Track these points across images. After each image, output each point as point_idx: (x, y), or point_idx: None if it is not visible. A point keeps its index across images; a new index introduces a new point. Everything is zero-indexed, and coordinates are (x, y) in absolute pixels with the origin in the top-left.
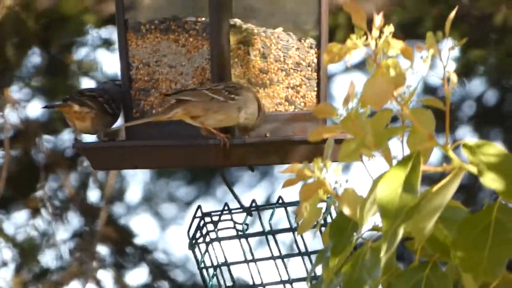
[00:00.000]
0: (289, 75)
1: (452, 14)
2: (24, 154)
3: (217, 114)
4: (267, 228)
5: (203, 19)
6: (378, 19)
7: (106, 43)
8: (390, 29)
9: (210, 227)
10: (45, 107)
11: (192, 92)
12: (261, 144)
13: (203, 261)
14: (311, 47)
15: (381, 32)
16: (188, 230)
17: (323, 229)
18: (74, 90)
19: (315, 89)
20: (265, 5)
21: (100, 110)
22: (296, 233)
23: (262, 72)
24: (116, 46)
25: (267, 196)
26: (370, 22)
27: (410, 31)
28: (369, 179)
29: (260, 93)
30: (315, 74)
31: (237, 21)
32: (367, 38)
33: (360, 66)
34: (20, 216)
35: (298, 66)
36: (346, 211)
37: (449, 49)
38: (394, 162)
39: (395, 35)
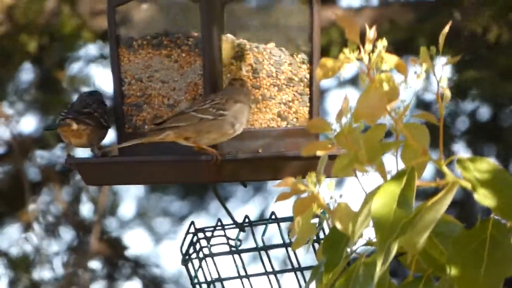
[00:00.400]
0: (281, 91)
1: (446, 28)
2: (16, 169)
3: (210, 134)
4: (260, 243)
5: (196, 34)
6: (372, 33)
7: (99, 59)
8: (383, 43)
9: (204, 242)
10: (45, 129)
11: (180, 117)
12: (253, 160)
13: (197, 277)
14: (303, 63)
15: (374, 46)
16: (181, 246)
17: (316, 244)
18: (69, 106)
19: (308, 104)
20: (258, 20)
21: (96, 125)
22: (289, 248)
23: (254, 88)
24: (109, 61)
25: (260, 211)
26: (363, 38)
27: (403, 48)
28: (362, 194)
29: (252, 108)
30: (308, 89)
31: (229, 36)
32: (360, 52)
33: (354, 81)
34: (13, 230)
35: (290, 82)
36: (339, 226)
37: (443, 65)
38: (388, 177)
39: (387, 51)
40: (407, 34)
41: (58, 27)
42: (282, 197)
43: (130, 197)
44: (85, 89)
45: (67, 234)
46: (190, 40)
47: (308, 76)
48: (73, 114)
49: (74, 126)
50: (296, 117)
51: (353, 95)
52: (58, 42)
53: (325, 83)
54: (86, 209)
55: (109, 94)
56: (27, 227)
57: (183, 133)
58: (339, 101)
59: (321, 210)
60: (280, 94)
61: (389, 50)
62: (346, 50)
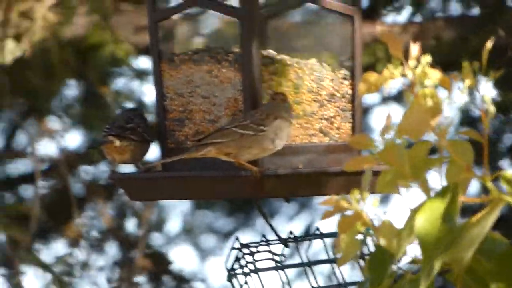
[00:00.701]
0: (323, 106)
1: (489, 44)
2: (61, 184)
3: (251, 149)
4: (305, 259)
5: (236, 50)
6: (415, 49)
7: (142, 74)
8: (427, 58)
9: (248, 258)
10: (90, 147)
11: (221, 133)
12: (293, 176)
13: None
14: (345, 78)
15: (418, 62)
16: (226, 261)
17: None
18: (112, 122)
19: (350, 120)
20: (299, 36)
21: (140, 140)
22: (334, 264)
23: (295, 103)
24: (151, 76)
25: (306, 227)
26: (407, 53)
27: (447, 65)
28: (407, 210)
29: (293, 124)
30: (350, 105)
31: (270, 52)
32: (404, 69)
33: (398, 97)
34: (58, 245)
35: (332, 97)
36: (383, 243)
37: (486, 80)
38: (432, 193)
39: (432, 67)
40: (452, 50)
41: (101, 42)
42: (327, 215)
43: (175, 212)
44: (129, 104)
45: (112, 249)
46: (230, 56)
47: (350, 91)
48: (116, 130)
49: (117, 143)
50: (339, 133)
51: (397, 111)
52: (101, 58)
53: (369, 99)
54: (131, 225)
55: (152, 109)
56: (72, 242)
57: (224, 149)
58: (382, 117)
59: (366, 228)
60: (321, 109)
61: (434, 66)
62: (390, 66)
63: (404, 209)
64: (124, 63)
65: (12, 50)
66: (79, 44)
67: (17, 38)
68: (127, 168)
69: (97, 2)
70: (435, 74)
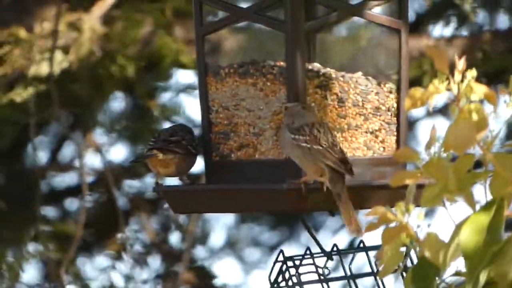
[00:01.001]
0: (367, 120)
1: None
2: (106, 198)
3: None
4: (349, 272)
5: (281, 63)
6: (461, 63)
7: (188, 88)
8: (472, 73)
9: (292, 271)
10: (133, 161)
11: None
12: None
13: None
14: (391, 92)
15: (463, 76)
16: (270, 274)
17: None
18: (156, 135)
19: (395, 133)
20: (344, 49)
21: (185, 153)
22: (378, 277)
23: (340, 117)
24: (197, 90)
25: (350, 240)
26: (454, 67)
27: (494, 78)
28: (452, 223)
29: (338, 137)
30: (395, 118)
31: (316, 65)
32: (449, 83)
33: (443, 111)
34: (102, 259)
35: (377, 111)
36: (428, 255)
37: None
38: (477, 207)
39: (478, 82)
40: (499, 64)
41: (154, 55)
42: (371, 227)
43: (220, 226)
44: (175, 118)
45: (155, 262)
46: (275, 69)
47: (395, 105)
48: (160, 143)
49: (161, 156)
50: (383, 146)
51: (442, 124)
52: (152, 71)
53: (414, 112)
54: (175, 238)
55: (198, 123)
56: (116, 256)
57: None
58: (427, 130)
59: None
60: (366, 123)
61: (480, 80)
62: (435, 81)
63: (449, 222)
64: (172, 77)
65: (59, 62)
66: (129, 56)
67: (65, 49)
68: (172, 181)
69: (158, 13)
70: (481, 89)
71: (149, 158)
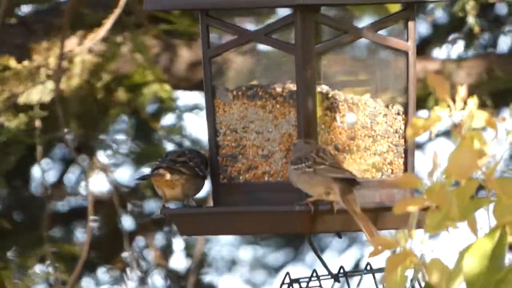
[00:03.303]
0: (376, 142)
1: None
2: (112, 219)
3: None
4: None
5: (290, 85)
6: (462, 91)
7: (194, 109)
8: (474, 101)
9: None
10: (138, 179)
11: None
12: (346, 211)
13: None
14: (398, 114)
15: (465, 103)
16: None
17: None
18: (164, 156)
19: (403, 155)
20: (353, 71)
21: (191, 174)
22: None
23: (349, 139)
24: (204, 112)
25: (356, 261)
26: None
27: (501, 99)
28: (456, 247)
29: (347, 159)
30: (403, 140)
31: (324, 87)
32: (451, 110)
33: (450, 133)
34: (106, 278)
35: (385, 133)
36: (433, 281)
37: None
38: (480, 233)
39: (484, 104)
40: (506, 84)
41: (144, 82)
42: (374, 253)
43: (225, 246)
44: (180, 139)
45: (160, 283)
46: (284, 91)
47: (403, 127)
48: (167, 163)
49: (168, 176)
50: (391, 168)
51: (449, 146)
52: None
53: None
54: (180, 258)
55: (204, 144)
56: (121, 276)
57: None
58: (436, 153)
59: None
60: (375, 145)
61: (486, 101)
62: (436, 108)
63: (453, 247)
64: (166, 103)
65: (50, 91)
66: (126, 80)
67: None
68: (177, 203)
69: (139, 41)
70: (482, 116)
71: (154, 177)
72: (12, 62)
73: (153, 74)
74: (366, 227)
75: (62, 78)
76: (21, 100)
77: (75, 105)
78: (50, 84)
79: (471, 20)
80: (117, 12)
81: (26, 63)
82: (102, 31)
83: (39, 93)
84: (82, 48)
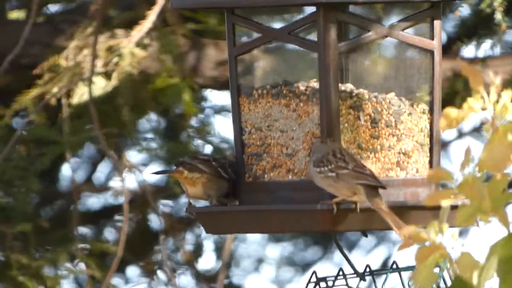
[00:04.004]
0: (400, 140)
1: None
2: (141, 218)
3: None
4: None
5: (314, 84)
6: (496, 83)
7: (222, 108)
8: (509, 93)
9: None
10: (154, 173)
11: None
12: (370, 210)
13: None
14: (423, 113)
15: (499, 96)
16: None
17: None
18: (189, 154)
19: (428, 154)
20: (378, 70)
21: (213, 174)
22: None
23: (372, 137)
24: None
25: (383, 260)
26: (488, 87)
27: None
28: (486, 243)
29: (371, 158)
30: (428, 139)
31: (349, 86)
32: (484, 102)
33: (475, 132)
34: (136, 278)
35: (410, 132)
36: (463, 275)
37: None
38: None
39: None
40: None
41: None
42: (404, 246)
43: (254, 245)
44: (209, 138)
45: (190, 283)
46: (308, 90)
47: (428, 126)
48: (188, 160)
49: (186, 173)
50: (416, 167)
51: (474, 146)
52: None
53: (446, 134)
54: (210, 258)
55: (232, 143)
56: (150, 276)
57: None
58: (459, 152)
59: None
60: (399, 144)
61: None
62: (470, 100)
63: (483, 241)
64: (189, 108)
65: (102, 87)
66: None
67: (106, 74)
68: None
69: (166, 41)
70: None
71: (173, 173)
72: (63, 61)
73: (179, 74)
74: (394, 222)
75: (113, 74)
76: (75, 100)
77: (128, 97)
78: (100, 81)
79: (498, 16)
80: (160, 3)
81: (75, 59)
82: (147, 23)
83: (80, 92)
84: (129, 41)
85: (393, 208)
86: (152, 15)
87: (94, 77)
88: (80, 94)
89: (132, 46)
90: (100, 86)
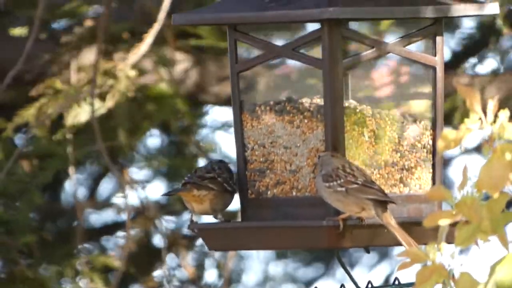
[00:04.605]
0: (403, 157)
1: None
2: (143, 235)
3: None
4: None
5: (318, 100)
6: (492, 104)
7: (225, 124)
8: (506, 113)
9: None
10: (164, 194)
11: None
12: (374, 226)
13: None
14: (426, 129)
15: (496, 116)
16: None
17: None
18: (193, 171)
19: (431, 170)
20: (382, 87)
21: (219, 190)
22: None
23: (376, 153)
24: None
25: (385, 276)
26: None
27: None
28: (486, 261)
29: (374, 174)
30: (431, 155)
31: (352, 102)
32: (482, 123)
33: (479, 148)
34: None
35: (413, 148)
36: None
37: None
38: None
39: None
40: None
41: (162, 95)
42: (403, 266)
43: (256, 262)
44: (212, 154)
45: None
46: (312, 106)
47: (431, 142)
48: (195, 179)
49: (195, 191)
50: (419, 183)
51: (477, 162)
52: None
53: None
54: (212, 275)
55: (234, 161)
56: None
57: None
58: (463, 168)
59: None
60: (402, 160)
61: None
62: (467, 121)
63: (483, 260)
64: (185, 116)
65: (97, 109)
66: (160, 95)
67: (101, 95)
68: (207, 218)
69: (162, 54)
70: None
71: (181, 192)
72: (58, 84)
73: (171, 88)
74: (404, 238)
75: (108, 95)
76: (69, 121)
77: (122, 120)
78: (96, 103)
79: (499, 22)
80: (156, 26)
81: (71, 82)
82: (143, 46)
83: (86, 113)
84: (126, 64)
85: (400, 224)
86: (149, 38)
87: (91, 98)
88: (74, 116)
89: (128, 70)
90: (95, 107)
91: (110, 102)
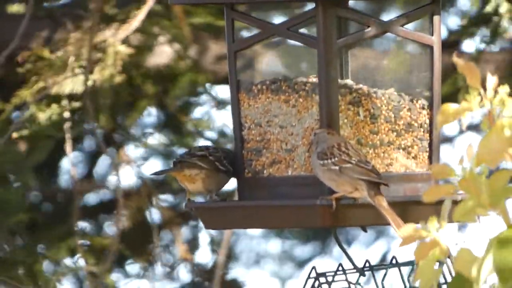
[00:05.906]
0: (400, 136)
1: None
2: (138, 212)
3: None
4: None
5: (313, 79)
6: (492, 79)
7: (221, 103)
8: (505, 88)
9: (325, 287)
10: (154, 173)
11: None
12: (369, 205)
13: None
14: (423, 108)
15: (496, 92)
16: None
17: None
18: (187, 151)
19: (427, 150)
20: (378, 66)
21: (211, 169)
22: None
23: (372, 133)
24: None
25: (382, 255)
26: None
27: None
28: (485, 238)
29: (370, 153)
30: (428, 135)
31: (348, 81)
32: (482, 99)
33: (477, 128)
34: (133, 271)
35: (409, 127)
36: (462, 271)
37: None
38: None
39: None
40: None
41: (181, 71)
42: (404, 242)
43: (252, 239)
44: (208, 132)
45: (186, 277)
46: (307, 85)
47: (428, 121)
48: (185, 158)
49: (186, 171)
50: (416, 162)
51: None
52: (182, 86)
53: (446, 129)
54: (207, 251)
55: (232, 138)
56: (147, 269)
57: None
58: (460, 147)
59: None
60: (399, 139)
61: None
62: (467, 97)
63: (482, 237)
64: (204, 92)
65: (82, 82)
66: (160, 72)
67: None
68: (203, 197)
69: (177, 31)
70: None
71: (172, 171)
72: (46, 53)
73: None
74: (394, 220)
75: (95, 68)
76: (53, 91)
77: (107, 97)
78: (82, 76)
79: (504, 24)
80: (150, 2)
81: (59, 53)
82: (135, 22)
83: (70, 84)
84: (115, 39)
85: (393, 202)
86: (140, 15)
87: (79, 72)
88: (69, 88)
89: (117, 44)
90: (80, 81)
91: (96, 75)
